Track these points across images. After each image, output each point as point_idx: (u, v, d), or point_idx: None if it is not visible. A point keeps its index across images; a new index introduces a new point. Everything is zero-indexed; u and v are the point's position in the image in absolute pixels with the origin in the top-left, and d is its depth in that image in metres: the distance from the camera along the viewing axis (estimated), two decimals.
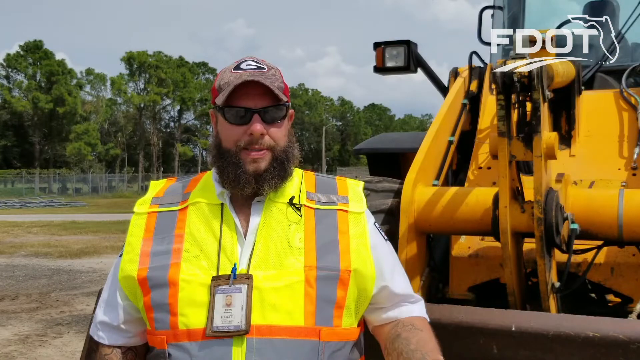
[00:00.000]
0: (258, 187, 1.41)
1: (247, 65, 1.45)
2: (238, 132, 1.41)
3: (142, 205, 1.52)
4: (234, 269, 1.35)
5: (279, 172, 1.42)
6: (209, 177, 1.52)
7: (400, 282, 1.50)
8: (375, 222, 1.52)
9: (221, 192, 1.45)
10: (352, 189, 1.53)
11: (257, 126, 1.39)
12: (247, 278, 1.34)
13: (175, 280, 1.36)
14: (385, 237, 1.53)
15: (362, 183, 1.57)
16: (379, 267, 1.44)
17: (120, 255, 1.49)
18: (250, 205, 1.44)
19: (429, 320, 1.53)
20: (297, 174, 1.53)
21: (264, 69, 1.44)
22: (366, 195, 1.58)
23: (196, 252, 1.39)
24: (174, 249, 1.40)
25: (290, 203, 1.44)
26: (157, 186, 1.57)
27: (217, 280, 1.34)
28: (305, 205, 1.45)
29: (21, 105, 51.76)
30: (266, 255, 1.37)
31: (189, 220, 1.44)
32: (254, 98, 1.40)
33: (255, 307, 1.32)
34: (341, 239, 1.42)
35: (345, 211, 1.46)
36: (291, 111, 1.53)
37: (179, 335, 1.34)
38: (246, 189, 1.41)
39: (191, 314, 1.34)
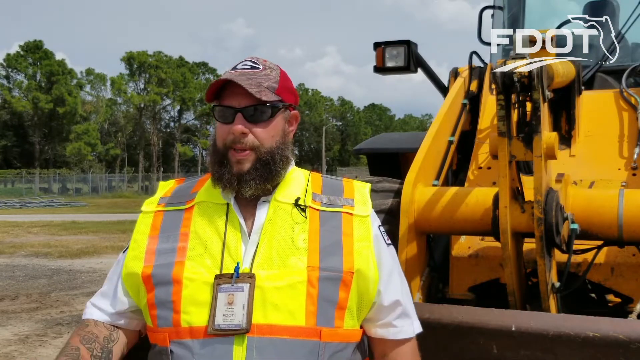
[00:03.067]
0: (240, 188, 1.41)
1: (242, 65, 1.46)
2: (225, 131, 1.42)
3: (150, 204, 1.53)
4: (236, 268, 1.36)
5: (261, 173, 1.41)
6: None
7: (393, 290, 1.48)
8: (379, 225, 1.52)
9: (226, 192, 1.45)
10: (359, 191, 1.52)
11: (238, 125, 1.39)
12: (250, 277, 1.34)
13: (179, 278, 1.37)
14: (389, 242, 1.52)
15: (369, 185, 1.56)
16: (380, 271, 1.44)
17: (125, 251, 1.50)
18: (256, 205, 1.44)
19: (420, 329, 1.53)
20: (304, 175, 1.53)
21: (258, 68, 1.45)
22: None
23: (200, 250, 1.39)
24: (178, 248, 1.41)
25: (296, 204, 1.44)
26: (165, 187, 1.58)
27: (220, 278, 1.35)
28: (310, 207, 1.45)
29: (21, 105, 51.76)
30: (269, 255, 1.37)
31: (194, 219, 1.45)
32: (238, 97, 1.41)
33: (256, 306, 1.33)
34: (345, 241, 1.41)
35: (350, 214, 1.46)
36: (294, 112, 1.52)
37: (182, 332, 1.35)
38: (227, 189, 1.42)
39: (194, 312, 1.35)
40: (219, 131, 1.44)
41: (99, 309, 1.49)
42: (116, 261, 1.53)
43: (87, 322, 1.47)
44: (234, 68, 1.46)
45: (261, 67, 1.45)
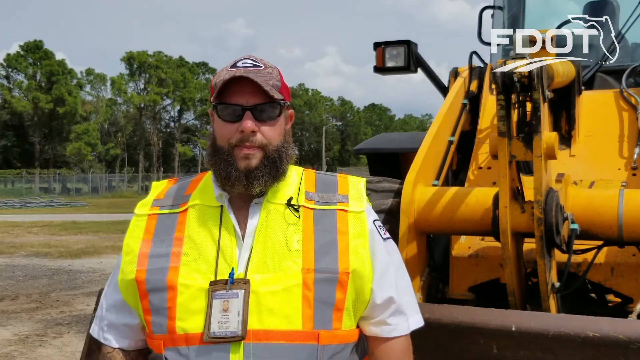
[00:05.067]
0: (249, 185, 1.38)
1: (243, 63, 1.43)
2: (230, 130, 1.39)
3: (143, 207, 1.50)
4: (231, 274, 1.33)
5: (270, 170, 1.39)
6: (209, 179, 1.50)
7: (387, 287, 1.44)
8: (375, 220, 1.49)
9: (220, 195, 1.43)
10: (354, 186, 1.50)
11: (248, 123, 1.37)
12: (244, 283, 1.32)
13: (174, 284, 1.34)
14: (385, 236, 1.49)
15: (364, 180, 1.54)
16: (373, 268, 1.41)
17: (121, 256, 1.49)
18: (249, 207, 1.42)
19: (418, 325, 1.49)
20: (298, 172, 1.51)
21: (260, 67, 1.42)
22: (366, 195, 1.55)
23: (195, 255, 1.37)
24: (172, 252, 1.38)
25: (289, 204, 1.42)
26: (158, 188, 1.55)
27: (215, 285, 1.33)
28: (303, 206, 1.42)
29: (21, 105, 51.72)
30: (264, 259, 1.35)
31: (188, 223, 1.42)
32: (246, 95, 1.38)
33: (252, 311, 1.31)
34: (340, 240, 1.39)
35: (345, 211, 1.43)
36: (290, 111, 1.50)
37: (177, 339, 1.33)
38: (237, 187, 1.39)
39: (189, 319, 1.33)
40: (222, 130, 1.41)
41: (113, 330, 1.48)
42: (114, 268, 1.51)
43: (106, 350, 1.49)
44: (234, 66, 1.42)
45: (262, 65, 1.43)
